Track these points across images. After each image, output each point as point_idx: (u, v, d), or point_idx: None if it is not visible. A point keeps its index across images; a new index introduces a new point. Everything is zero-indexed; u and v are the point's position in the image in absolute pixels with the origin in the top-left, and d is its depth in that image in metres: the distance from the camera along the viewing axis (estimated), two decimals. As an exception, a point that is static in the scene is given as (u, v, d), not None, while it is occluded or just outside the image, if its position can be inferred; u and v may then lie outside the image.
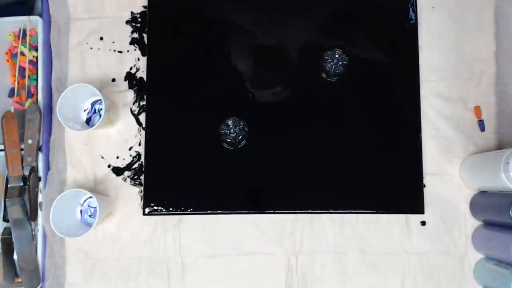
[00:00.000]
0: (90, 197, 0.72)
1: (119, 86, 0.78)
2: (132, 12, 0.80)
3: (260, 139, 0.75)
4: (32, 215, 0.74)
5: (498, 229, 0.70)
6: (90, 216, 0.75)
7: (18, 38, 0.78)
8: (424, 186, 0.74)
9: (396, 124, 0.75)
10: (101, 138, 0.77)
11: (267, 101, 0.76)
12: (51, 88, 0.77)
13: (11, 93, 0.77)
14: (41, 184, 0.75)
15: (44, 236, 0.74)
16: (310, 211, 0.73)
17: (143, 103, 0.78)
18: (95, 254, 0.75)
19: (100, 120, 0.70)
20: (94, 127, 0.70)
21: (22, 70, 0.77)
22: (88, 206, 0.75)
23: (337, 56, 0.72)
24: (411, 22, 0.77)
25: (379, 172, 0.74)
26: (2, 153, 0.74)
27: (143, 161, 0.76)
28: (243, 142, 0.74)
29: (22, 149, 0.74)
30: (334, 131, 0.75)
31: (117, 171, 0.77)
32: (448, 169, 0.75)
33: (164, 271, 0.74)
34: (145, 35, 0.79)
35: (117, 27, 0.80)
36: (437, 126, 0.76)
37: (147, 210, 0.74)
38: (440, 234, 0.73)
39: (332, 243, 0.74)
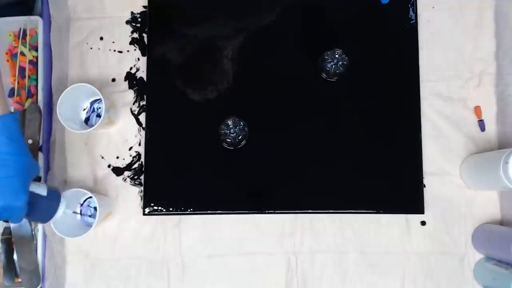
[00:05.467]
0: (90, 197, 0.72)
1: (119, 86, 0.78)
2: (132, 12, 0.80)
3: (260, 139, 0.75)
4: (32, 215, 0.74)
5: (498, 229, 0.71)
6: (90, 216, 0.75)
7: (18, 38, 0.78)
8: (424, 186, 0.74)
9: (396, 124, 0.75)
10: (101, 138, 0.77)
11: (267, 101, 0.76)
12: (51, 88, 0.77)
13: (11, 93, 0.77)
14: (41, 184, 0.75)
15: (44, 236, 0.74)
16: (310, 211, 0.73)
17: (143, 103, 0.78)
18: (95, 254, 0.75)
19: (100, 120, 0.70)
20: (94, 127, 0.70)
21: (22, 70, 0.77)
22: (88, 206, 0.75)
23: (337, 56, 0.72)
24: (411, 22, 0.77)
25: (379, 172, 0.74)
26: (2, 153, 0.73)
27: (143, 161, 0.76)
28: (243, 142, 0.74)
29: (22, 149, 0.74)
30: (334, 131, 0.75)
31: (117, 171, 0.77)
32: (448, 169, 0.75)
33: (164, 271, 0.74)
34: (145, 35, 0.79)
35: (117, 27, 0.80)
36: (437, 126, 0.76)
37: (147, 210, 0.74)
38: (440, 234, 0.73)
39: (332, 243, 0.74)
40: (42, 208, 0.61)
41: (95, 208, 0.74)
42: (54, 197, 0.63)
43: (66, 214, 0.65)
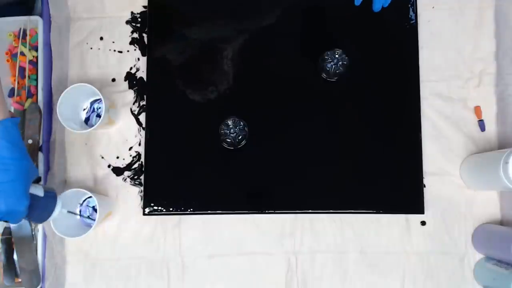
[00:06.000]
0: (90, 197, 0.72)
1: (119, 86, 0.78)
2: (132, 12, 0.80)
3: (260, 139, 0.75)
4: (32, 215, 0.74)
5: (498, 229, 0.71)
6: (88, 216, 0.75)
7: (18, 38, 0.78)
8: (424, 186, 0.74)
9: (396, 124, 0.75)
10: (101, 138, 0.77)
11: (267, 101, 0.76)
12: (51, 88, 0.77)
13: (11, 93, 0.77)
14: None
15: (44, 236, 0.74)
16: (310, 211, 0.73)
17: (143, 103, 0.78)
18: (95, 254, 0.75)
19: (100, 120, 0.70)
20: (94, 127, 0.70)
21: (22, 70, 0.77)
22: (87, 206, 0.75)
23: (337, 56, 0.72)
24: (411, 22, 0.77)
25: (379, 172, 0.74)
26: (2, 153, 0.73)
27: (143, 161, 0.76)
28: (243, 142, 0.74)
29: (22, 149, 0.74)
30: (334, 131, 0.75)
31: (117, 171, 0.77)
32: (448, 169, 0.75)
33: (164, 271, 0.74)
34: (145, 35, 0.79)
35: (117, 27, 0.80)
36: (437, 126, 0.76)
37: (147, 210, 0.74)
38: (440, 234, 0.73)
39: (332, 243, 0.74)
40: (39, 209, 0.62)
41: (93, 208, 0.74)
42: (50, 198, 0.63)
43: (62, 214, 0.66)
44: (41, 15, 0.78)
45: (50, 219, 0.63)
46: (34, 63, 0.78)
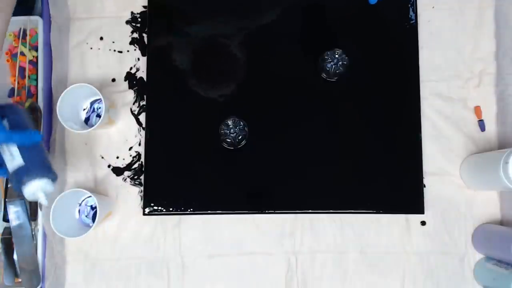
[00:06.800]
0: (89, 196, 0.72)
1: (119, 86, 0.78)
2: (132, 12, 0.80)
3: (260, 139, 0.75)
4: (32, 215, 0.74)
5: (498, 229, 0.71)
6: (86, 216, 0.75)
7: (18, 38, 0.78)
8: (424, 186, 0.74)
9: (396, 124, 0.75)
10: (101, 138, 0.77)
11: (267, 101, 0.76)
12: (51, 88, 0.77)
13: (11, 93, 0.77)
14: (41, 184, 0.75)
15: (44, 236, 0.74)
16: (310, 211, 0.73)
17: (143, 103, 0.78)
18: (95, 254, 0.75)
19: (100, 120, 0.70)
20: (94, 127, 0.70)
21: (22, 70, 0.77)
22: (85, 205, 0.75)
23: (337, 56, 0.72)
24: (411, 22, 0.77)
25: (379, 172, 0.74)
26: (2, 153, 0.73)
27: (143, 161, 0.76)
28: (243, 142, 0.74)
29: (22, 149, 0.74)
30: (334, 131, 0.75)
31: (117, 171, 0.77)
32: (448, 169, 0.75)
33: (164, 271, 0.74)
34: (145, 35, 0.79)
35: (117, 27, 0.80)
36: (437, 126, 0.76)
37: (147, 210, 0.74)
38: (440, 234, 0.73)
39: (332, 243, 0.74)
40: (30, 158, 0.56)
41: (91, 207, 0.74)
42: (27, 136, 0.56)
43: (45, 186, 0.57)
44: (41, 15, 0.78)
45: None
46: (34, 63, 0.78)
